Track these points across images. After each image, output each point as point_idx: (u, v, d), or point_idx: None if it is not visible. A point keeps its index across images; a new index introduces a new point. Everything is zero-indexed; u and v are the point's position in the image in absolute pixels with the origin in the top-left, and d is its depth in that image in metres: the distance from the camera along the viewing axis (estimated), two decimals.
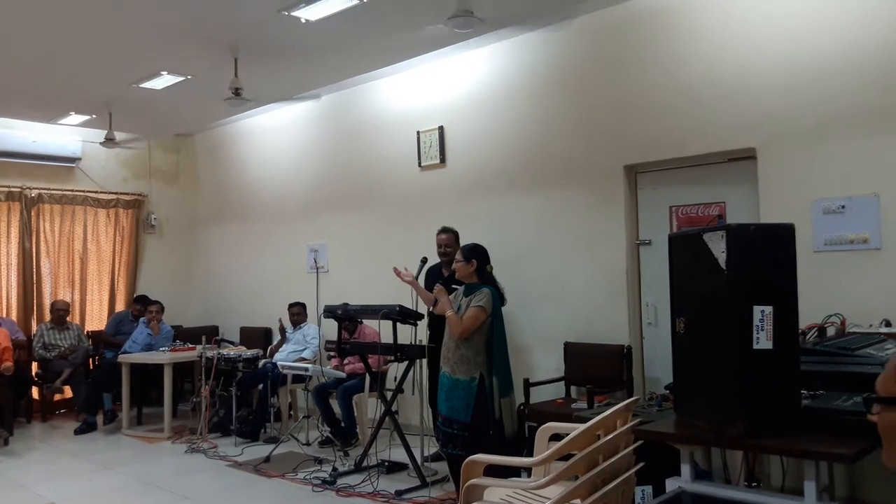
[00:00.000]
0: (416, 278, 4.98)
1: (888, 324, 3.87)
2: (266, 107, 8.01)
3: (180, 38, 5.70)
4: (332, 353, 6.26)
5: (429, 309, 5.02)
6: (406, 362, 5.27)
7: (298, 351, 7.08)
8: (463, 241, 5.35)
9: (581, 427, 2.76)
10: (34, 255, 8.35)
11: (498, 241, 5.64)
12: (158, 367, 6.93)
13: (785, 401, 2.79)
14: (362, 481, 5.04)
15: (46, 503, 4.99)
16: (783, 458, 3.69)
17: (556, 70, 5.71)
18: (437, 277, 5.39)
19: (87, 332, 8.38)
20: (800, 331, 3.26)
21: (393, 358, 5.31)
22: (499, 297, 4.54)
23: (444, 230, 5.74)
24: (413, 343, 5.37)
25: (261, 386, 6.74)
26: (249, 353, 6.77)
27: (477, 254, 4.56)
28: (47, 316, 8.12)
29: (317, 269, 6.92)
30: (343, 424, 6.25)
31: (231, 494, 5.13)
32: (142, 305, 7.91)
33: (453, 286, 4.76)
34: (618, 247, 5.32)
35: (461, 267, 4.54)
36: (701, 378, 3.06)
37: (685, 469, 3.10)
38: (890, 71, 4.12)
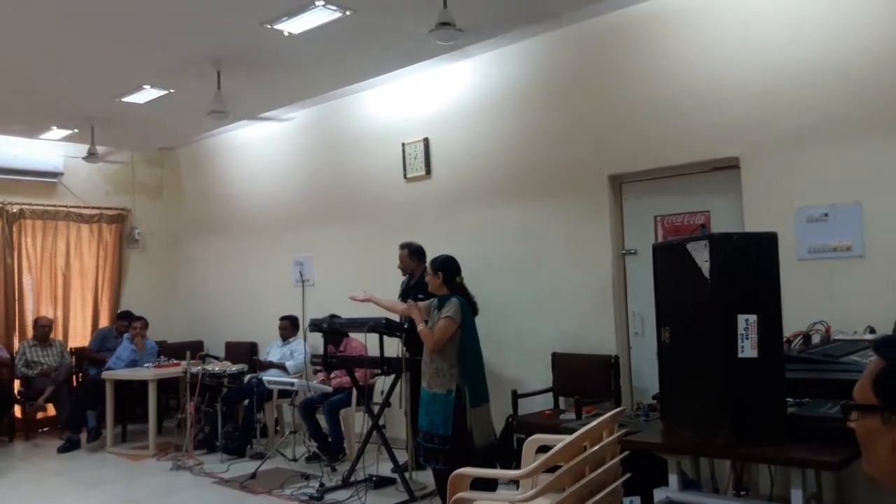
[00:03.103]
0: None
1: (872, 331, 3.88)
2: (250, 119, 7.99)
3: (163, 51, 5.67)
4: (318, 368, 6.21)
5: (404, 323, 4.99)
6: (393, 376, 5.24)
7: None
8: (448, 251, 5.32)
9: (567, 438, 2.74)
10: (16, 271, 8.26)
11: (484, 253, 5.64)
12: (143, 384, 6.85)
13: (771, 409, 2.78)
14: (350, 497, 5.01)
15: None
16: (770, 467, 3.69)
17: (539, 82, 5.72)
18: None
19: (71, 348, 8.29)
20: (785, 339, 3.27)
21: (380, 371, 5.29)
22: (469, 307, 4.53)
23: (401, 246, 5.86)
24: (400, 356, 5.34)
25: (246, 401, 6.68)
26: (234, 368, 6.70)
27: (444, 266, 4.58)
28: (30, 333, 8.03)
29: (302, 282, 6.88)
30: (330, 439, 6.21)
31: None
32: (126, 321, 7.84)
33: (419, 295, 4.83)
34: (603, 257, 5.33)
35: (430, 280, 4.61)
36: (687, 387, 3.05)
37: (673, 479, 3.09)
38: (870, 79, 4.15)
